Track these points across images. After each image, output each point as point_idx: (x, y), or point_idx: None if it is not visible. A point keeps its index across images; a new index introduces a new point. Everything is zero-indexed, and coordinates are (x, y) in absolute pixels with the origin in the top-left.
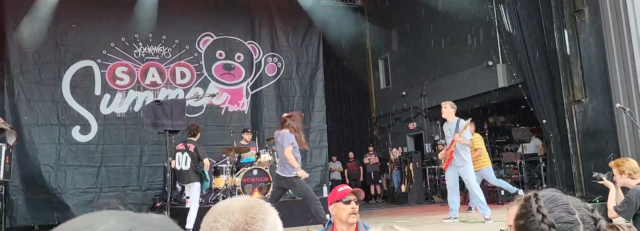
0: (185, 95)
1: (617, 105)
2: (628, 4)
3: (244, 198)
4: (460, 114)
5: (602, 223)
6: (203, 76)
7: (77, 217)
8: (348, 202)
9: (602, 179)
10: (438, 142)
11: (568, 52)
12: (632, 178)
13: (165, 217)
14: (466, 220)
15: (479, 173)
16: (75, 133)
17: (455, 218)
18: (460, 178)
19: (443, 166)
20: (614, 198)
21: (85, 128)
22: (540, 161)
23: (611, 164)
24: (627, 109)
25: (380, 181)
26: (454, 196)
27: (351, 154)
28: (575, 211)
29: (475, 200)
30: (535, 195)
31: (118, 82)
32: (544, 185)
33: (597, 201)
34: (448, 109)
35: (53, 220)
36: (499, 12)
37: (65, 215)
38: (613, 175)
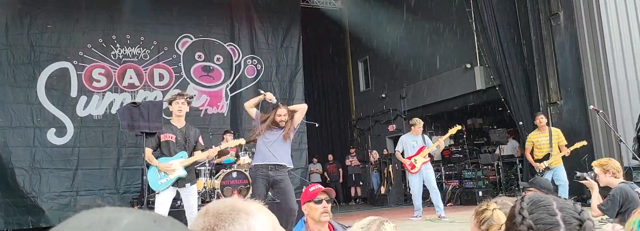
0: (163, 97)
1: (591, 107)
2: (601, 8)
3: (230, 201)
4: (439, 116)
5: (588, 224)
6: (182, 78)
7: (84, 212)
8: (319, 201)
9: (585, 179)
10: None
11: (544, 55)
12: (615, 177)
13: (176, 221)
14: (432, 219)
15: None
16: (51, 135)
17: (420, 216)
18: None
19: (415, 171)
20: (598, 197)
21: (61, 131)
22: (517, 162)
23: (594, 163)
24: (601, 111)
25: (361, 183)
26: (420, 199)
27: (330, 157)
28: (557, 213)
29: (439, 198)
30: (522, 198)
31: (95, 84)
32: (519, 183)
33: (572, 201)
34: (420, 126)
35: (27, 224)
36: (477, 15)
37: (39, 219)
38: (595, 175)
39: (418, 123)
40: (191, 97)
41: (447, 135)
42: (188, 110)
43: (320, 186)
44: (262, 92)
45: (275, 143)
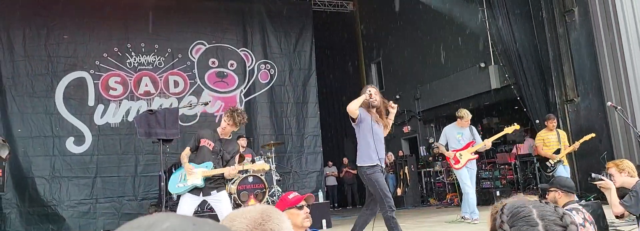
0: (178, 104)
1: (609, 104)
2: (617, 3)
3: (261, 205)
4: (454, 116)
5: (572, 228)
6: (196, 84)
7: (137, 218)
8: (301, 207)
9: (602, 179)
10: (433, 145)
11: (559, 52)
12: (631, 177)
13: (217, 223)
14: (449, 220)
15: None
16: (70, 144)
17: (477, 219)
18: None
19: (459, 166)
20: (616, 195)
21: (80, 139)
22: (535, 161)
23: (609, 164)
24: (619, 108)
25: None
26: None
27: (345, 160)
28: (539, 222)
29: (472, 200)
30: (502, 209)
31: (111, 92)
32: (539, 186)
33: (592, 199)
34: (468, 119)
35: None
36: (490, 13)
37: (60, 227)
38: (610, 175)
39: (466, 115)
40: (206, 104)
41: (501, 134)
42: (233, 130)
43: (296, 193)
44: (369, 89)
45: (380, 140)
